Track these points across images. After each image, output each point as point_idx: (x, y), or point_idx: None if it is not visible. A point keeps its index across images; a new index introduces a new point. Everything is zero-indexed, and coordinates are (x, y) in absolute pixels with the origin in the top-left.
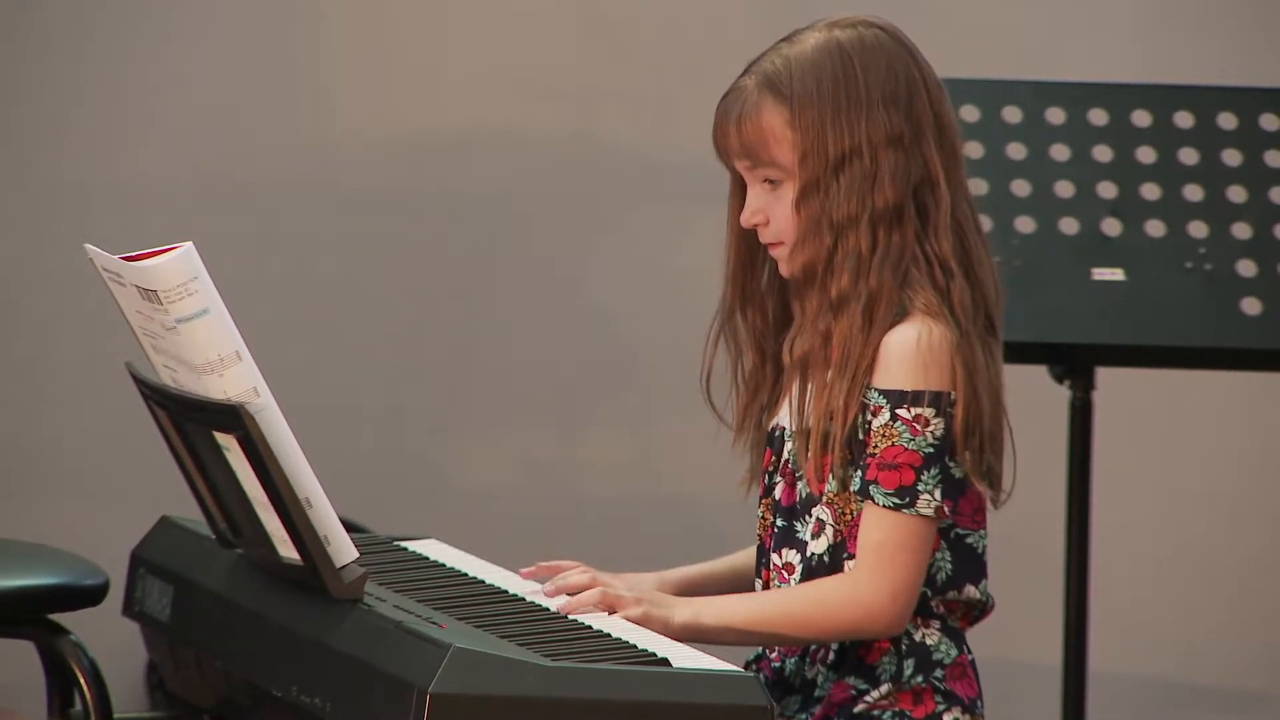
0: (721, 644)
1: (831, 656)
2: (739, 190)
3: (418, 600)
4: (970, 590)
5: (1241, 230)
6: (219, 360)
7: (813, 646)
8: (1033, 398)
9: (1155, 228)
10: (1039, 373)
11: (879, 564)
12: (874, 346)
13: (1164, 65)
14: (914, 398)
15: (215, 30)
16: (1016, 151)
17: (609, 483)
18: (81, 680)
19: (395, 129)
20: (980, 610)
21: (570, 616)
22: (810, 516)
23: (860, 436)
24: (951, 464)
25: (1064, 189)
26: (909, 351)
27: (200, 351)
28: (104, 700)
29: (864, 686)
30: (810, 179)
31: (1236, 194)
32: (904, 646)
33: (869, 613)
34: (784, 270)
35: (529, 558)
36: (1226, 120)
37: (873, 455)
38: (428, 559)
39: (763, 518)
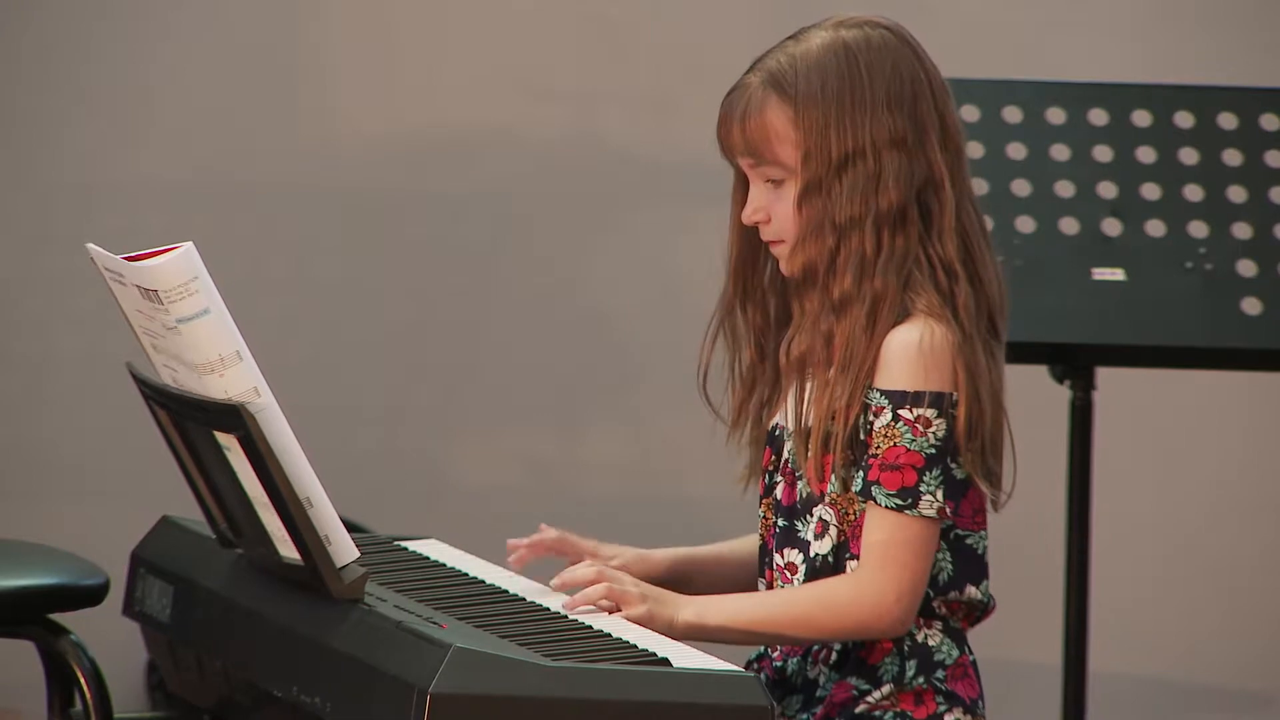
0: (725, 643)
1: (833, 657)
2: (742, 186)
3: (418, 600)
4: (971, 591)
5: (1241, 230)
6: (219, 360)
7: (815, 646)
8: (1033, 398)
9: (1155, 228)
10: (1039, 373)
11: (883, 564)
12: (876, 347)
13: (1164, 65)
14: (915, 398)
15: (215, 30)
16: (1017, 151)
17: (609, 483)
18: (81, 680)
19: (395, 129)
20: (981, 611)
21: (571, 616)
22: (812, 516)
23: (862, 437)
24: (953, 465)
25: (1064, 189)
26: (911, 352)
27: (201, 351)
28: (104, 700)
29: (866, 687)
30: (812, 179)
31: (1236, 194)
32: (906, 647)
33: (874, 613)
34: (784, 269)
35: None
36: (1226, 120)
37: (875, 456)
38: (428, 559)
39: (764, 517)
